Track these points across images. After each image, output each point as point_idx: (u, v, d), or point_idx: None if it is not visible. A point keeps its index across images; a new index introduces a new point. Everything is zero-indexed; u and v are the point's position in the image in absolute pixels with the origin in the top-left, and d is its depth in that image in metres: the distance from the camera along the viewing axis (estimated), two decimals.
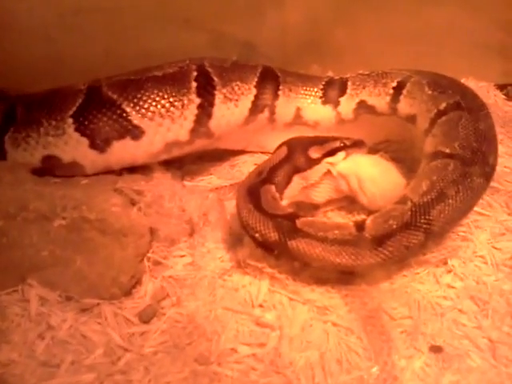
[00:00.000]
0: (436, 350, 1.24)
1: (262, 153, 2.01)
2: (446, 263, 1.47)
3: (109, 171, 1.60)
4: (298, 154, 1.61)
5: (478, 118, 1.54)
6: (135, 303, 1.37)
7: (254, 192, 1.46)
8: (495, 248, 1.53)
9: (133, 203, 1.50)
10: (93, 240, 1.39)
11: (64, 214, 1.40)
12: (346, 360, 1.22)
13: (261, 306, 1.36)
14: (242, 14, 2.16)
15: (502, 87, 2.48)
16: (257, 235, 1.36)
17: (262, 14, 2.17)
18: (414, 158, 1.86)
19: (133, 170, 1.62)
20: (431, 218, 1.32)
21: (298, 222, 1.35)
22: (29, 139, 1.54)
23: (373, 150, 1.76)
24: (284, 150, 1.62)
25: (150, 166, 1.63)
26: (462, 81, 2.29)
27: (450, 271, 1.45)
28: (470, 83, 2.39)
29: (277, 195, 1.50)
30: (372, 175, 1.56)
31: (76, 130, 1.52)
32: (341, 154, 1.62)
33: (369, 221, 1.34)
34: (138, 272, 1.42)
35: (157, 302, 1.37)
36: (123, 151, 1.56)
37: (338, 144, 1.63)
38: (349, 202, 1.65)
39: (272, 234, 1.33)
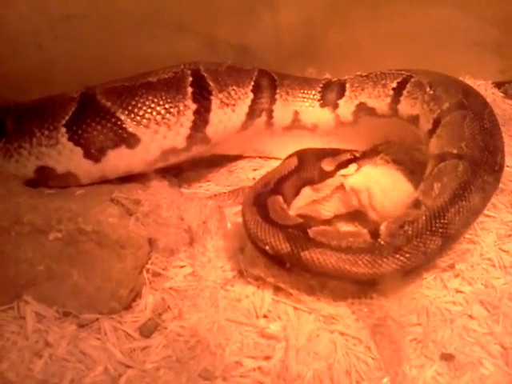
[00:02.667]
0: (447, 357, 1.21)
1: (260, 157, 1.98)
2: (453, 267, 1.43)
3: (104, 181, 1.56)
4: (311, 165, 1.56)
5: (483, 116, 1.52)
6: (135, 317, 1.33)
7: (260, 203, 1.40)
8: (502, 250, 1.50)
9: (130, 213, 1.45)
10: (90, 253, 1.35)
11: (59, 227, 1.35)
12: (355, 371, 1.18)
13: (265, 316, 1.32)
14: (235, 18, 2.14)
15: (499, 85, 2.47)
16: (267, 248, 1.29)
17: (257, 16, 2.15)
18: (414, 159, 1.84)
19: (129, 178, 1.58)
20: (447, 221, 1.28)
21: (310, 232, 1.28)
22: (21, 150, 1.50)
23: (375, 153, 1.73)
24: (294, 161, 1.57)
25: (146, 175, 1.59)
26: None
27: (457, 275, 1.42)
28: (468, 82, 2.37)
29: (285, 206, 1.44)
30: (383, 187, 1.50)
31: (69, 139, 1.48)
32: (352, 166, 1.58)
33: (383, 227, 1.29)
34: (137, 284, 1.38)
35: (158, 315, 1.33)
36: (119, 160, 1.52)
37: (348, 156, 1.60)
38: (358, 216, 1.59)
39: (283, 245, 1.26)
